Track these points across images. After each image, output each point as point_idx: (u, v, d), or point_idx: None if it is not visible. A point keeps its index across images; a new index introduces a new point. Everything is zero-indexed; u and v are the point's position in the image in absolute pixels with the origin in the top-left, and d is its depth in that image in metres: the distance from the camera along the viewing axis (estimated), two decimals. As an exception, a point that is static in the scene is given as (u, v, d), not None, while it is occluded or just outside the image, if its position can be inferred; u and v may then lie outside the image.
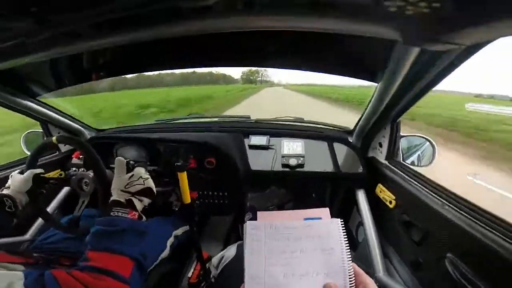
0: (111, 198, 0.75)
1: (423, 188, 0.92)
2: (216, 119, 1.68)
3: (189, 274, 1.34)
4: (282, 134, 1.46)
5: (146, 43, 0.55)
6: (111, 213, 0.70)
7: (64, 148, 1.49)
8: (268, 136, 1.44)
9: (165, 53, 1.04)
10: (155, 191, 0.82)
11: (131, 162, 0.84)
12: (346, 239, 0.47)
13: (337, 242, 0.46)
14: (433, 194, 0.87)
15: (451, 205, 0.78)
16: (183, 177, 0.96)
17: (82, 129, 1.51)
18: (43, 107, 1.25)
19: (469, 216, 0.71)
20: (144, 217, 0.76)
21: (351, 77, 0.98)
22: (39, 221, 1.24)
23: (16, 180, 0.84)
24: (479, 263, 0.66)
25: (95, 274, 0.59)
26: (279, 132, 1.48)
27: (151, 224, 1.14)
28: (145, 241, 0.74)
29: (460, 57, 0.61)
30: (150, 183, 0.81)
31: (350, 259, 0.45)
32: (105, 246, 0.65)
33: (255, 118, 1.60)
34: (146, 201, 0.80)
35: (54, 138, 0.88)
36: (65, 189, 1.38)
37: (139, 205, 0.76)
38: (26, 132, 1.44)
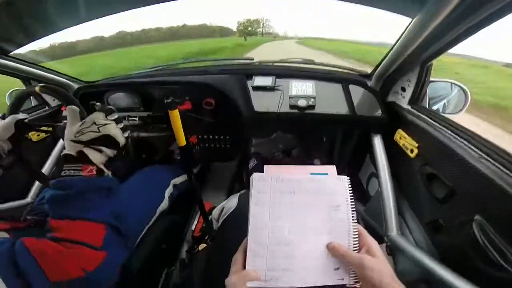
0: (62, 152, 0.60)
1: (455, 136, 0.79)
2: (216, 63, 1.50)
3: (193, 227, 1.34)
4: (289, 75, 1.31)
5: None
6: (62, 173, 0.57)
7: (53, 102, 1.39)
8: (274, 76, 1.29)
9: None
10: (119, 139, 0.66)
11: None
12: (353, 198, 0.45)
13: (343, 200, 0.45)
14: (468, 144, 0.73)
15: (490, 158, 0.66)
16: (174, 115, 0.85)
17: (69, 82, 1.37)
18: (20, 63, 1.11)
19: (510, 172, 0.60)
20: (106, 171, 0.63)
21: (383, 8, 0.78)
22: (38, 182, 1.19)
23: None
24: None
25: (66, 243, 0.53)
26: (287, 73, 1.32)
27: (139, 176, 1.08)
28: (114, 199, 0.63)
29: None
30: (109, 129, 0.63)
31: (356, 219, 0.45)
32: (64, 214, 0.56)
33: (259, 60, 1.42)
34: (109, 151, 0.65)
35: (37, 88, 0.71)
36: (59, 146, 1.32)
37: (96, 157, 0.61)
38: (10, 90, 1.33)
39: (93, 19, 0.98)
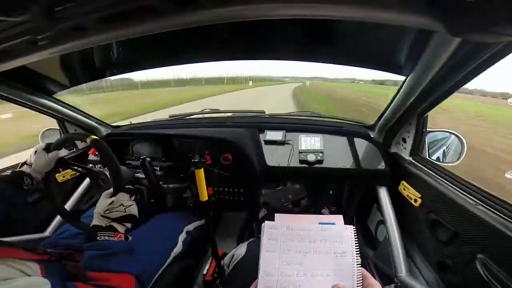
0: (92, 223, 0.75)
1: (453, 186, 0.87)
2: (230, 114, 1.65)
3: (204, 272, 1.32)
4: (299, 129, 1.41)
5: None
6: (98, 238, 0.72)
7: (81, 144, 1.51)
8: (284, 131, 1.39)
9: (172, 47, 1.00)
10: (137, 215, 0.82)
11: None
12: (357, 244, 0.49)
13: (349, 247, 0.48)
14: (464, 193, 0.82)
15: (484, 205, 0.75)
16: (200, 174, 0.94)
17: (98, 126, 1.51)
18: (59, 105, 1.26)
19: (505, 217, 0.68)
20: (129, 237, 0.79)
21: (378, 69, 0.91)
22: (58, 218, 1.25)
23: (41, 160, 0.86)
24: None
25: None
26: (296, 127, 1.43)
27: (153, 225, 1.14)
28: (137, 257, 0.78)
29: (505, 49, 0.56)
30: (133, 210, 0.80)
31: (360, 263, 0.47)
32: (103, 268, 0.68)
33: (269, 113, 1.56)
34: (129, 225, 0.80)
35: (88, 140, 0.84)
36: (85, 183, 1.39)
37: (121, 228, 0.77)
38: (44, 129, 1.46)
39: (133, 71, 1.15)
